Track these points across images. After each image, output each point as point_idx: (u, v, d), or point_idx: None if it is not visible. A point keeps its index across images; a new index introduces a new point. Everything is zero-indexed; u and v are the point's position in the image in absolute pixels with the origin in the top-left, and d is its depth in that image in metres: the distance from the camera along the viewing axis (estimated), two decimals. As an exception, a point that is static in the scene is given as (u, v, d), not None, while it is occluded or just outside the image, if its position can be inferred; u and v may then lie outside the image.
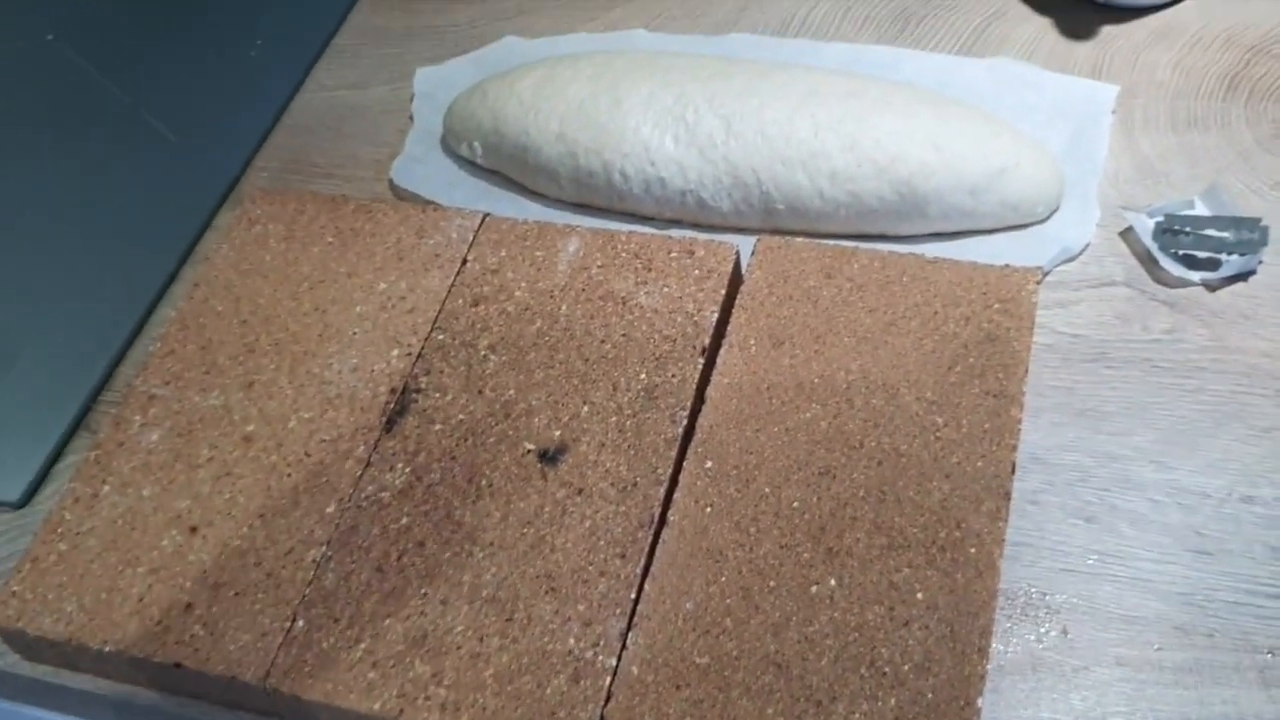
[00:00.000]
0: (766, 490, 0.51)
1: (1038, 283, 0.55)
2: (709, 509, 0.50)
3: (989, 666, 0.45)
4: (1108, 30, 0.71)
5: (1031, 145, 0.62)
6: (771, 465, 0.51)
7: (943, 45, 0.72)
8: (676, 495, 0.51)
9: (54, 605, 0.52)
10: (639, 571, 0.49)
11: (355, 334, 0.59)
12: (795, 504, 0.50)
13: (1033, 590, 0.50)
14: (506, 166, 0.68)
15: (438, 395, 0.56)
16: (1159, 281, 0.59)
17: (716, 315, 0.57)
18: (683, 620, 0.48)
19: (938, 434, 0.51)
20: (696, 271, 0.59)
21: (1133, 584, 0.50)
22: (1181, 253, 0.59)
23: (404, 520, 0.52)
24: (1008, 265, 0.56)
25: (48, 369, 0.64)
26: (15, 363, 0.65)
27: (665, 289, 0.58)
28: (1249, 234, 0.58)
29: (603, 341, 0.57)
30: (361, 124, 0.75)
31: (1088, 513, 0.52)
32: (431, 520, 0.52)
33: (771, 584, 0.48)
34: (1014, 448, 0.50)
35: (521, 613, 0.49)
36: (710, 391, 0.54)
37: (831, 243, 0.59)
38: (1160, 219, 0.60)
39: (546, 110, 0.65)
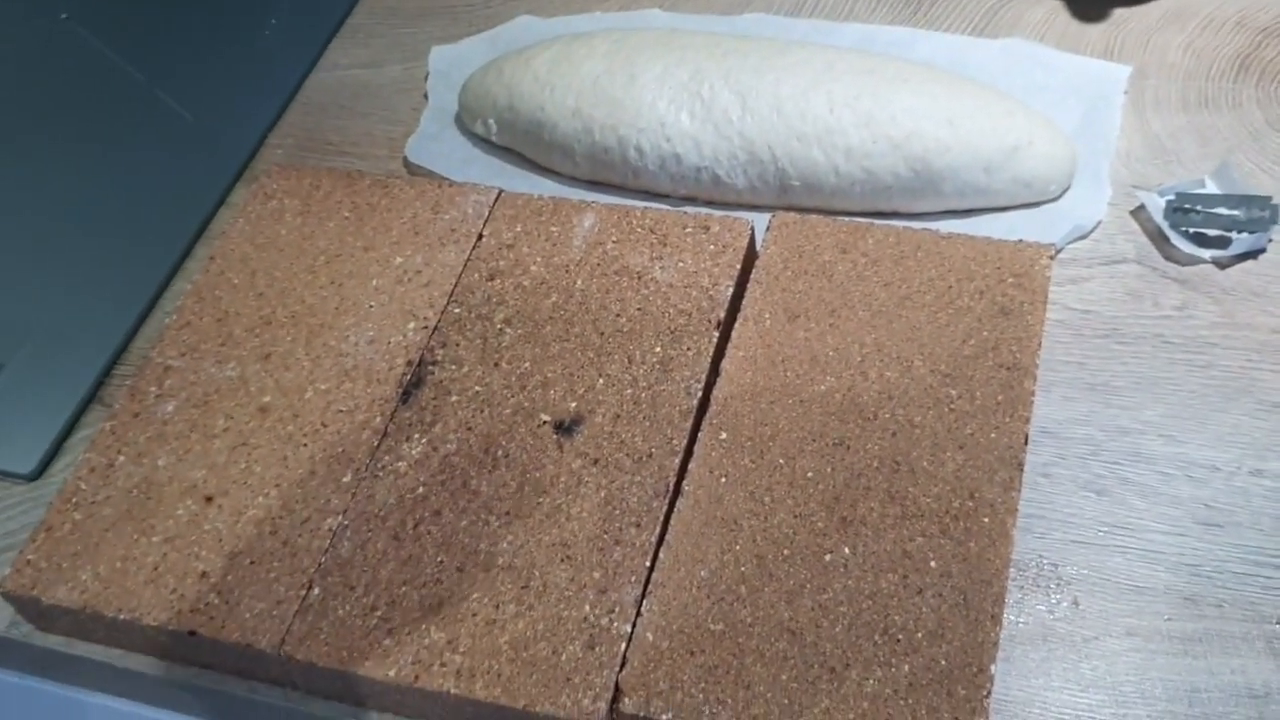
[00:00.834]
0: (781, 461, 0.51)
1: (1051, 257, 0.56)
2: (724, 479, 0.51)
3: (1000, 635, 0.45)
4: (1119, 13, 0.71)
5: (1045, 123, 0.62)
6: (786, 436, 0.52)
7: (955, 27, 0.72)
8: (691, 465, 0.51)
9: (68, 574, 0.52)
10: (654, 540, 0.49)
11: (372, 307, 0.59)
12: (809, 474, 0.50)
13: (1044, 561, 0.50)
14: (521, 144, 0.68)
15: (454, 367, 0.56)
16: (1170, 259, 0.60)
17: (731, 290, 0.57)
18: (697, 588, 0.48)
19: (951, 406, 0.51)
20: (711, 247, 0.59)
21: (1143, 556, 0.50)
22: (1192, 231, 0.60)
23: (420, 490, 0.52)
24: (1021, 240, 0.57)
25: (62, 343, 0.65)
26: (29, 338, 0.65)
27: (680, 264, 0.58)
28: (1259, 212, 0.58)
29: (618, 315, 0.57)
30: (375, 102, 0.75)
31: (1099, 485, 0.52)
32: (448, 490, 0.52)
33: (785, 552, 0.48)
34: (1027, 419, 0.51)
35: (537, 580, 0.49)
36: (725, 364, 0.54)
37: (846, 219, 0.59)
38: (1171, 197, 0.60)
39: (562, 86, 0.65)
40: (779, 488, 0.50)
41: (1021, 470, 0.49)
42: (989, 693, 0.44)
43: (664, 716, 0.45)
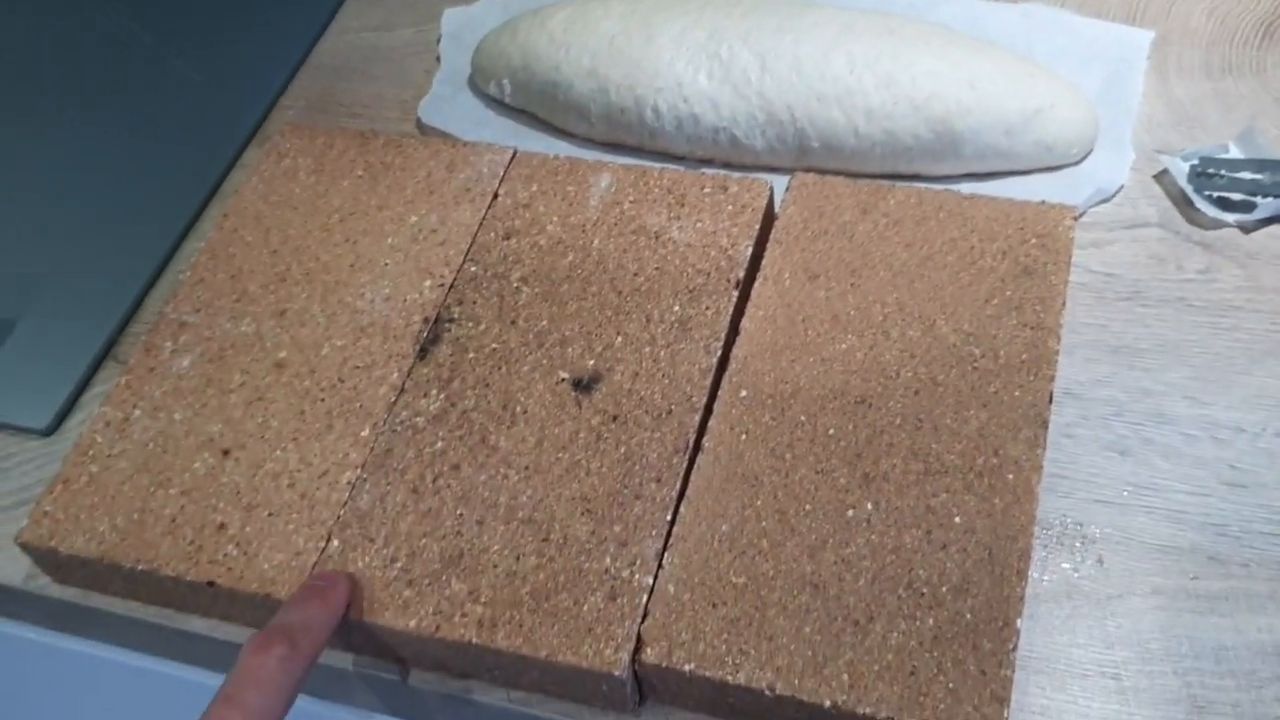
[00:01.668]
0: (802, 418, 0.51)
1: (1074, 219, 0.55)
2: (744, 435, 0.50)
3: (1026, 591, 0.45)
4: (1141, -22, 0.70)
5: (1067, 86, 0.62)
6: (807, 394, 0.51)
7: (974, -8, 0.72)
8: (711, 422, 0.51)
9: (86, 525, 0.52)
10: (674, 495, 0.49)
11: (387, 265, 0.59)
12: (831, 431, 0.50)
13: (1068, 520, 0.50)
14: (536, 105, 0.68)
15: (471, 325, 0.56)
16: (1193, 223, 0.59)
17: (750, 249, 0.57)
18: (718, 541, 0.47)
19: (975, 364, 0.51)
20: (730, 207, 0.58)
21: (1167, 515, 0.50)
22: (1216, 195, 0.59)
23: (439, 444, 0.52)
24: (1044, 201, 0.56)
25: (76, 300, 0.64)
26: (44, 295, 0.65)
27: (698, 224, 0.58)
28: (1285, 175, 0.58)
29: (635, 274, 0.57)
30: (387, 65, 0.75)
31: (1122, 446, 0.52)
32: (466, 444, 0.52)
33: (807, 507, 0.48)
34: (1051, 378, 0.50)
35: (558, 533, 0.49)
36: (745, 323, 0.54)
37: (867, 181, 0.59)
38: (1195, 162, 0.60)
39: (578, 46, 0.65)
40: (800, 444, 0.50)
41: (1046, 428, 0.49)
42: (1015, 646, 0.43)
43: (686, 667, 0.44)
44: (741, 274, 0.56)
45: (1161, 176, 0.61)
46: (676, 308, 0.55)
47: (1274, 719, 0.44)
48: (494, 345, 0.55)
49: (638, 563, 0.47)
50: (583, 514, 0.49)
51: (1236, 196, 0.59)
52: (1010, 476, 0.48)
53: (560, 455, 0.51)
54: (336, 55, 0.76)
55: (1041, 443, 0.48)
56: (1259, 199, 0.58)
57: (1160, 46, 0.67)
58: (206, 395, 0.55)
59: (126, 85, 0.76)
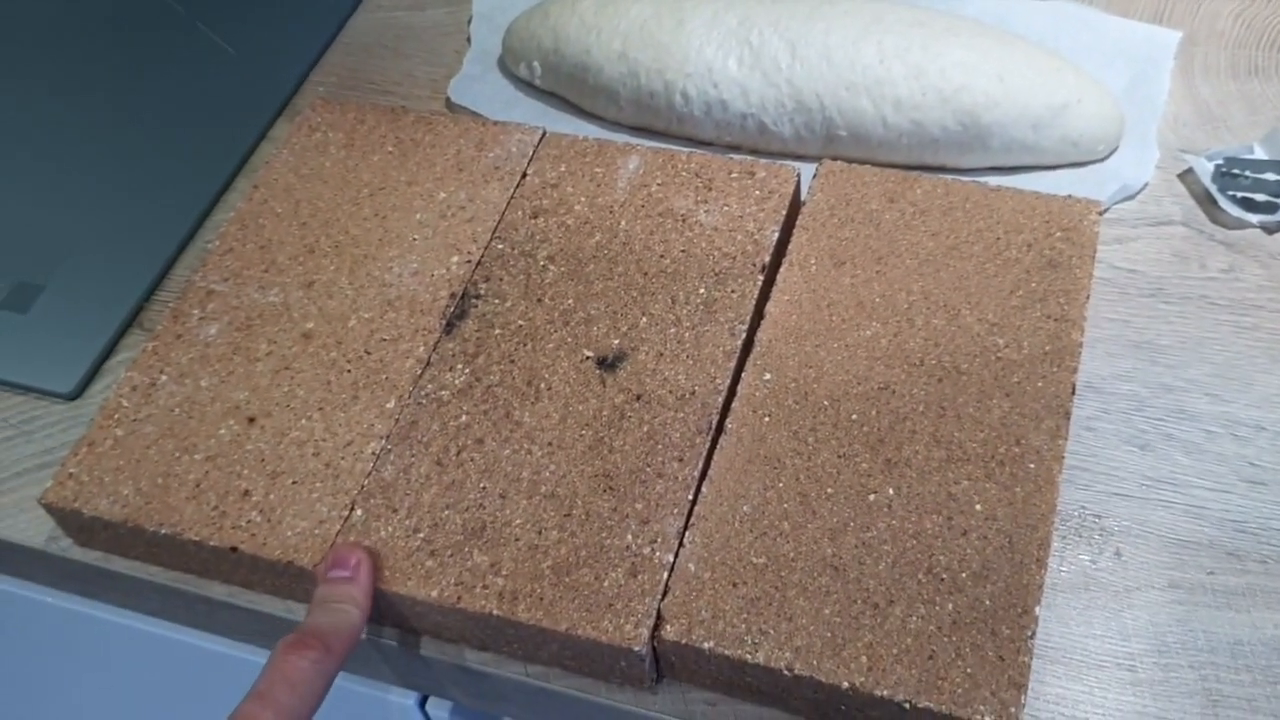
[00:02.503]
0: (825, 403, 0.51)
1: (1099, 213, 0.56)
2: (767, 418, 0.51)
3: (1045, 579, 0.45)
4: (1170, -21, 0.71)
5: (1094, 83, 0.62)
6: (830, 379, 0.52)
7: (1004, -12, 0.72)
8: (734, 405, 0.51)
9: (110, 488, 0.52)
10: (696, 475, 0.49)
11: (415, 240, 0.59)
12: (854, 416, 0.50)
13: (1087, 513, 0.50)
14: (565, 88, 0.68)
15: (497, 301, 0.56)
16: (1217, 223, 0.59)
17: (777, 235, 0.57)
18: (740, 522, 0.48)
19: (998, 354, 0.51)
20: (757, 192, 0.59)
21: (1186, 510, 0.50)
22: (1240, 195, 0.59)
23: (463, 418, 0.52)
24: (1070, 195, 0.56)
25: (103, 267, 0.65)
26: (71, 260, 0.65)
27: (725, 208, 0.58)
28: (1310, 177, 0.58)
29: (662, 256, 0.57)
30: (418, 44, 0.75)
31: (1142, 440, 0.52)
32: (491, 419, 0.52)
33: (829, 491, 0.48)
34: (1074, 369, 0.50)
35: (580, 509, 0.49)
36: (770, 307, 0.54)
37: (894, 170, 0.59)
38: (1220, 162, 0.60)
39: (609, 30, 0.65)
40: (823, 428, 0.50)
41: (1068, 419, 0.49)
42: (1033, 633, 0.44)
43: (706, 645, 0.45)
44: (767, 259, 0.56)
45: (1186, 175, 0.61)
46: (702, 290, 0.55)
47: (1288, 713, 0.44)
48: (520, 322, 0.55)
49: (659, 540, 0.48)
50: (605, 491, 0.49)
51: (1260, 197, 0.59)
52: (1032, 466, 0.48)
53: (583, 432, 0.51)
54: (368, 33, 0.76)
55: (1063, 433, 0.49)
56: (1284, 200, 0.59)
57: (1187, 47, 0.67)
58: (233, 363, 0.56)
59: (158, 56, 0.76)
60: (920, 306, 0.53)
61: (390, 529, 0.49)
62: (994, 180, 0.62)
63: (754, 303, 0.55)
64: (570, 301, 0.56)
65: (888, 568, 0.46)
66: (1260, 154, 0.61)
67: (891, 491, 0.48)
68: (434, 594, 0.47)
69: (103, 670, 0.43)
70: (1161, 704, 0.45)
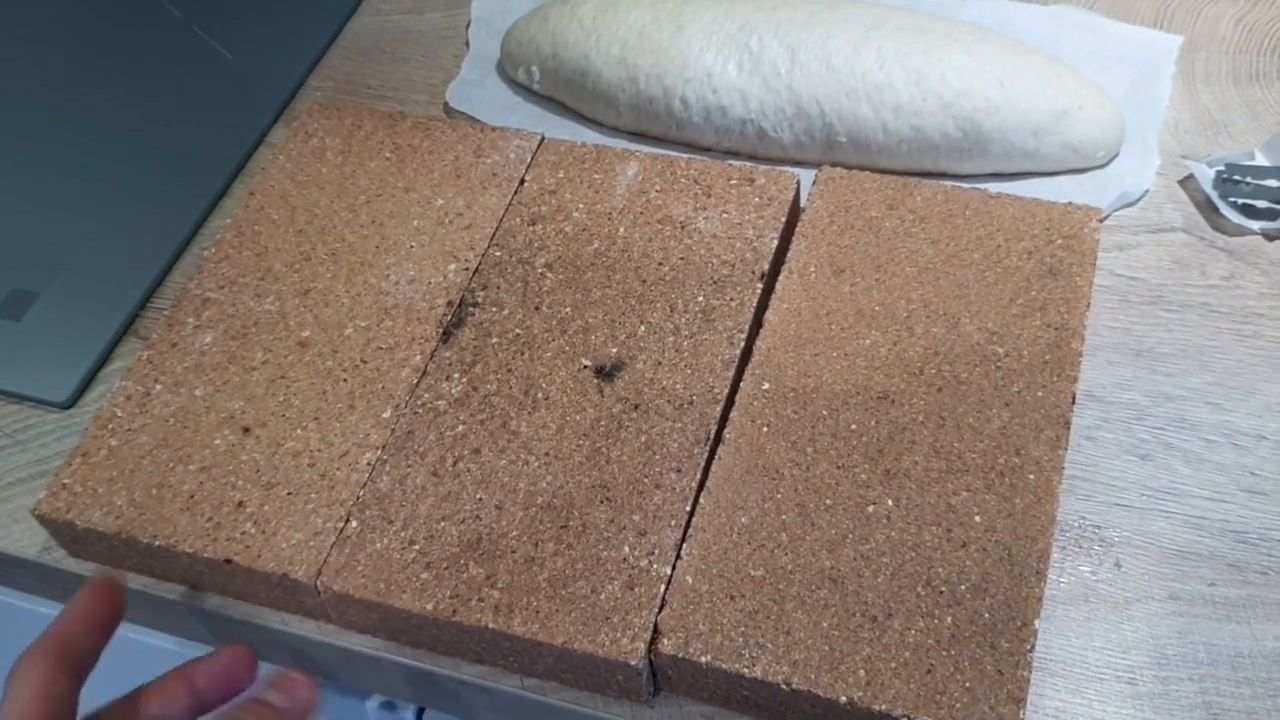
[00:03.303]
0: (824, 412, 0.51)
1: (1100, 220, 0.55)
2: (765, 428, 0.50)
3: (1045, 592, 0.45)
4: (1171, -17, 0.70)
5: (1095, 89, 0.61)
6: (829, 389, 0.51)
7: (1004, -8, 0.71)
8: (733, 414, 0.51)
9: (104, 499, 0.52)
10: (694, 486, 0.49)
11: (412, 247, 0.59)
12: (853, 426, 0.50)
13: (1086, 523, 0.50)
14: (564, 93, 0.68)
15: (494, 309, 0.56)
16: (1218, 229, 0.59)
17: (776, 242, 0.57)
18: (737, 534, 0.48)
19: (998, 363, 0.51)
20: (756, 199, 0.58)
21: (1186, 521, 0.50)
22: (1241, 202, 0.59)
23: (460, 428, 0.52)
24: (1070, 203, 0.56)
25: (98, 275, 0.64)
26: (66, 268, 0.65)
27: (724, 215, 0.58)
28: (1312, 184, 0.58)
29: (660, 264, 0.57)
30: (416, 48, 0.75)
31: (1143, 450, 0.52)
32: (487, 429, 0.52)
33: (828, 502, 0.48)
34: (1074, 379, 0.50)
35: (577, 520, 0.49)
36: (768, 315, 0.54)
37: (894, 176, 0.59)
38: (1221, 168, 0.60)
39: (607, 35, 0.65)
40: (822, 439, 0.50)
41: (1068, 429, 0.49)
42: (1033, 647, 0.43)
43: (703, 658, 0.44)
44: (766, 266, 0.56)
45: (1187, 182, 0.61)
46: (700, 298, 0.55)
47: (1289, 727, 0.44)
48: (517, 330, 0.55)
49: (656, 552, 0.47)
50: (602, 502, 0.49)
51: (1262, 204, 0.59)
52: (1031, 476, 0.48)
53: (581, 442, 0.51)
54: (366, 37, 0.76)
55: (1063, 443, 0.48)
56: (1285, 207, 0.58)
57: (1188, 52, 0.66)
58: (228, 372, 0.55)
59: (155, 61, 0.76)
60: (920, 315, 0.53)
61: (386, 541, 0.49)
62: (994, 187, 0.61)
63: (753, 311, 0.54)
64: (568, 310, 0.55)
65: (886, 580, 0.46)
66: (1261, 160, 0.60)
67: (891, 503, 0.48)
68: (429, 607, 0.47)
69: (95, 682, 0.42)
70: (1161, 717, 0.45)
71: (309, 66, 0.74)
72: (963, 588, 0.45)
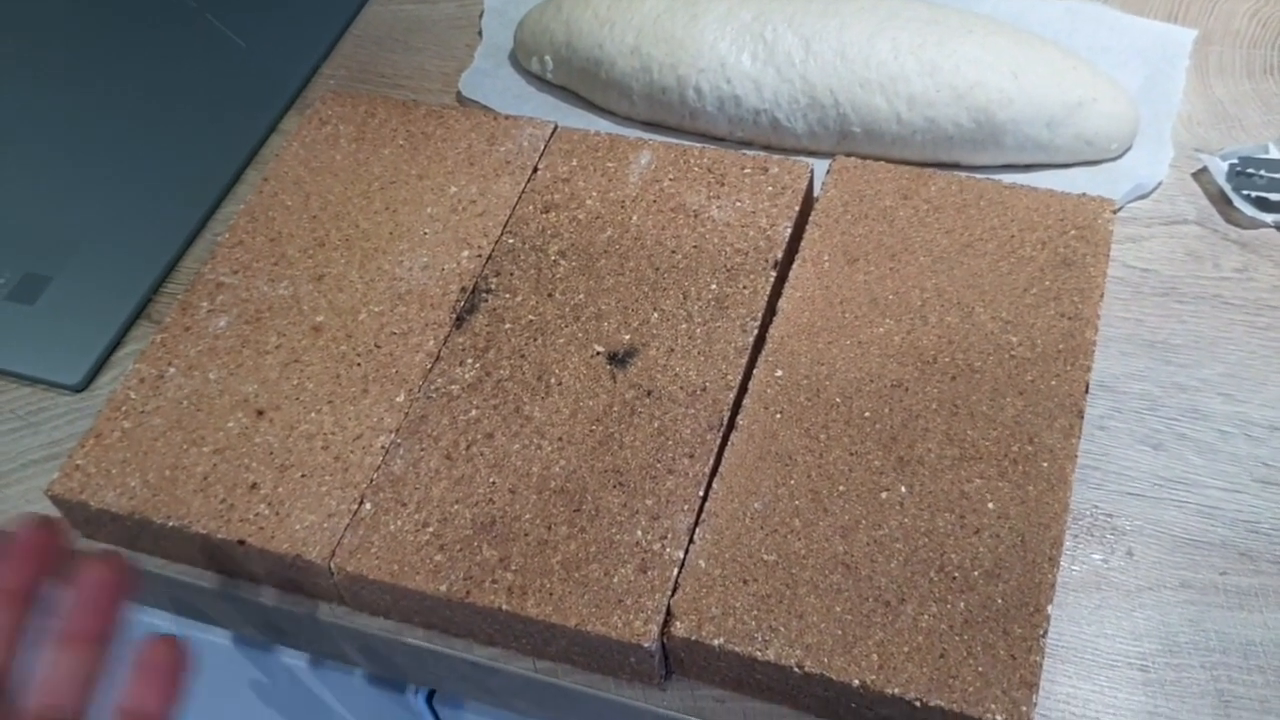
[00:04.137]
0: (837, 400, 0.51)
1: (1114, 212, 0.55)
2: (779, 415, 0.50)
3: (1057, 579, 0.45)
4: (1185, -22, 0.70)
5: (1109, 81, 0.62)
6: (843, 376, 0.51)
7: (1017, -14, 0.72)
8: (746, 401, 0.51)
9: (117, 480, 0.52)
10: (707, 471, 0.49)
11: (426, 234, 0.59)
12: (866, 414, 0.50)
13: (1099, 512, 0.50)
14: (577, 82, 0.68)
15: (508, 296, 0.56)
16: (1231, 222, 0.59)
17: (790, 230, 0.57)
18: (750, 519, 0.48)
19: (1012, 353, 0.51)
20: (770, 188, 0.58)
21: (1199, 510, 0.50)
22: (1255, 195, 0.59)
23: (473, 412, 0.52)
24: (1084, 194, 0.56)
25: (111, 259, 0.65)
26: (79, 252, 0.65)
27: (738, 203, 0.58)
28: (1326, 178, 0.58)
29: (673, 252, 0.57)
30: (429, 38, 0.75)
31: (1155, 440, 0.52)
32: (500, 414, 0.52)
33: (841, 488, 0.48)
34: (1088, 368, 0.50)
35: (589, 504, 0.49)
36: (782, 303, 0.54)
37: (908, 167, 0.59)
38: (1234, 161, 0.60)
39: (622, 24, 0.65)
40: (835, 425, 0.50)
41: (1082, 418, 0.49)
42: (1045, 632, 0.43)
43: (715, 641, 0.45)
44: (780, 254, 0.56)
45: (1200, 175, 0.61)
46: (714, 286, 0.55)
47: (1301, 715, 0.44)
48: (530, 317, 0.55)
49: (669, 536, 0.48)
50: (615, 486, 0.49)
51: (1275, 196, 0.59)
52: (1045, 464, 0.48)
53: (594, 427, 0.51)
54: (379, 26, 0.76)
55: (1077, 432, 0.48)
56: (1299, 200, 0.58)
57: (1201, 46, 0.66)
58: (242, 355, 0.55)
59: (168, 48, 0.76)
60: (934, 304, 0.53)
61: (399, 523, 0.49)
62: (1007, 178, 0.61)
63: (766, 299, 0.54)
64: (581, 296, 0.56)
65: (899, 565, 0.46)
66: (1275, 153, 0.60)
67: (904, 489, 0.48)
68: (443, 588, 0.47)
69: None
70: (1173, 704, 0.45)
71: (322, 55, 0.75)
72: (975, 573, 0.45)
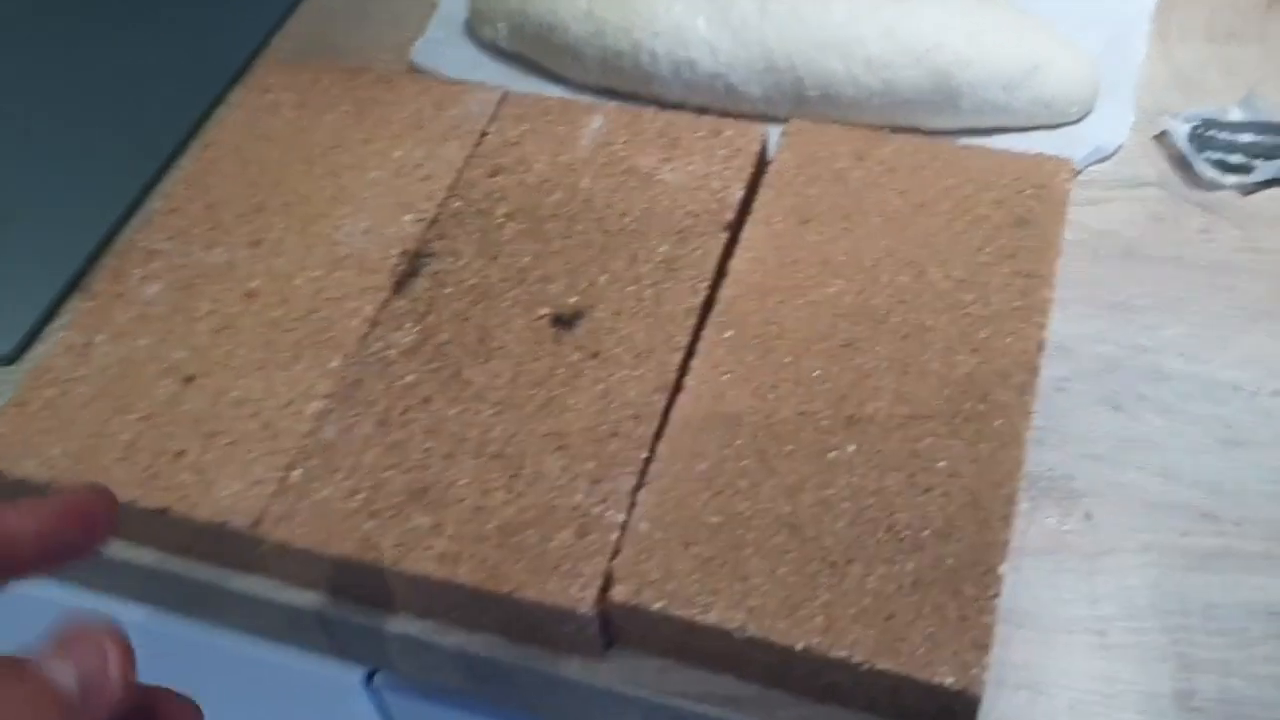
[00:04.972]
0: (787, 359, 0.49)
1: (1072, 172, 0.54)
2: (727, 375, 0.49)
3: (1011, 539, 0.43)
4: (1147, -54, 0.69)
5: (1067, 44, 0.60)
6: (793, 336, 0.50)
7: (979, -46, 0.70)
8: (694, 362, 0.49)
9: (37, 448, 0.50)
10: (652, 433, 0.47)
11: (367, 198, 0.57)
12: (816, 373, 0.48)
13: (1056, 474, 0.48)
14: (531, 48, 0.66)
15: (451, 259, 0.54)
16: (1192, 185, 0.58)
17: (742, 193, 0.55)
18: (695, 480, 0.46)
19: (965, 310, 0.50)
20: (723, 151, 0.57)
21: (1160, 472, 0.48)
22: (1216, 158, 0.58)
23: (410, 378, 0.50)
24: (1041, 154, 0.55)
25: (46, 230, 0.63)
26: (13, 222, 0.63)
27: (690, 167, 0.56)
28: (1289, 138, 0.57)
29: (624, 214, 0.55)
30: (383, 9, 0.73)
31: (1115, 401, 0.50)
32: (439, 378, 0.50)
33: (788, 448, 0.46)
34: (1043, 326, 0.49)
35: (529, 469, 0.47)
36: (732, 264, 0.52)
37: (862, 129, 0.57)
38: (1196, 123, 0.58)
39: (574, -12, 0.63)
40: (784, 385, 0.48)
41: (1036, 375, 0.47)
42: (998, 593, 0.42)
43: (655, 605, 0.43)
44: (731, 216, 0.54)
45: (1161, 138, 0.59)
46: (664, 248, 0.53)
47: (1264, 678, 0.42)
48: (474, 280, 0.53)
49: (610, 499, 0.46)
50: (556, 450, 0.47)
51: (1236, 159, 0.57)
52: (998, 423, 0.46)
53: (535, 391, 0.49)
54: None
55: (1031, 389, 0.47)
56: (1258, 162, 0.57)
57: (1163, 11, 0.65)
58: (173, 322, 0.53)
59: (113, 23, 0.74)
60: (886, 264, 0.52)
61: (329, 490, 0.47)
62: (966, 142, 0.60)
63: (717, 261, 0.53)
64: (527, 259, 0.54)
65: (846, 526, 0.44)
66: (1237, 116, 0.59)
67: (852, 448, 0.46)
68: (372, 555, 0.45)
69: (19, 640, 0.40)
70: (1133, 669, 0.43)
71: (271, 28, 0.73)
72: (925, 533, 0.43)
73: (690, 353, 0.50)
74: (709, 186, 0.55)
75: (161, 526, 0.49)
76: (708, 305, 0.51)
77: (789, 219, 0.54)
